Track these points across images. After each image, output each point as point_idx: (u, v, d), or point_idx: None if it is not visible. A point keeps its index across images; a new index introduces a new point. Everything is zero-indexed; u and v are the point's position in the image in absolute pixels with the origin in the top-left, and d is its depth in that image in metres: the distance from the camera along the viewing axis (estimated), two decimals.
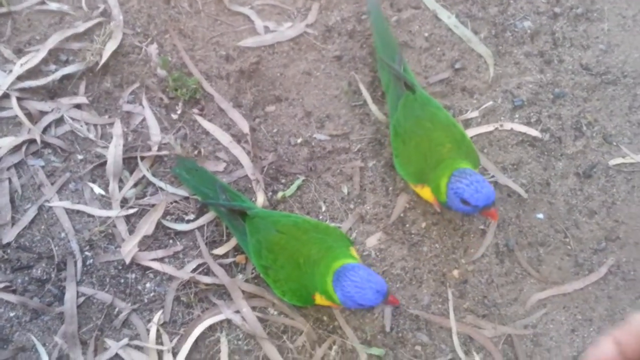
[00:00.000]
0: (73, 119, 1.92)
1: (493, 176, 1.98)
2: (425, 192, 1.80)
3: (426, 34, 2.19)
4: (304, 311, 1.80)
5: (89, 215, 1.83)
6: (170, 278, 1.78)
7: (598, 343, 0.72)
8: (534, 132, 2.06)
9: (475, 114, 2.08)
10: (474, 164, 1.75)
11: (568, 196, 2.00)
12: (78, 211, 1.83)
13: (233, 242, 1.84)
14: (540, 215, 1.97)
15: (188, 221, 1.85)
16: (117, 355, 1.70)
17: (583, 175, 2.02)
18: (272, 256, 1.61)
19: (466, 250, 1.92)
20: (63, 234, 1.80)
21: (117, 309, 1.75)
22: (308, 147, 1.98)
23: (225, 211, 1.76)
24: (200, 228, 1.84)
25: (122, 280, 1.78)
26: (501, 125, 2.06)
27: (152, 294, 1.77)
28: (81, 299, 1.74)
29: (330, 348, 1.77)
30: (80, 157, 1.89)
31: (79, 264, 1.77)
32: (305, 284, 1.57)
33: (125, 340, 1.71)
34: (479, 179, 1.61)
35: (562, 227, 1.96)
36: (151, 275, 1.79)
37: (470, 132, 2.03)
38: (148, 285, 1.78)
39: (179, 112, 1.97)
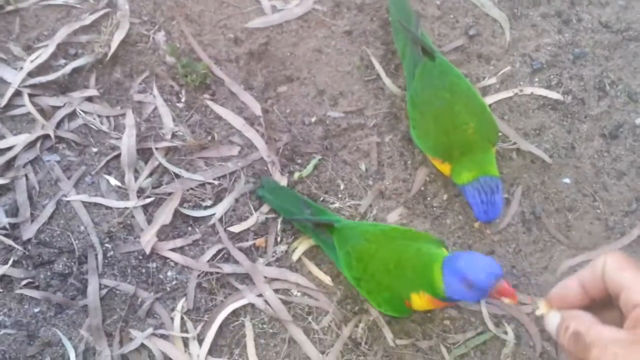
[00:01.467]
0: (85, 112, 1.91)
1: (515, 143, 1.92)
2: (445, 168, 1.76)
3: (438, 2, 2.12)
4: (328, 291, 1.77)
5: (107, 208, 1.82)
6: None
7: (564, 282, 0.74)
8: (555, 95, 1.99)
9: (493, 80, 2.01)
10: (493, 140, 1.71)
11: (595, 159, 1.93)
12: (96, 204, 1.82)
13: (251, 220, 1.81)
14: (567, 180, 1.91)
15: (206, 207, 1.83)
16: (142, 345, 1.69)
17: (609, 136, 1.95)
18: (361, 266, 1.56)
19: None
20: (82, 227, 1.79)
21: (140, 299, 1.74)
22: (322, 126, 1.94)
23: (311, 226, 1.72)
24: (219, 214, 1.82)
25: (144, 270, 1.77)
26: (521, 91, 2.00)
27: (174, 282, 1.76)
28: (104, 291, 1.73)
29: (356, 326, 1.73)
30: (94, 149, 1.88)
31: (100, 256, 1.76)
32: (399, 290, 1.49)
33: (150, 330, 1.69)
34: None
35: (590, 191, 1.89)
36: (172, 264, 1.78)
37: (489, 100, 1.97)
38: (169, 273, 1.77)
39: (189, 98, 1.94)
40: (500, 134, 1.93)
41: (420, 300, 1.46)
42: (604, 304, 0.73)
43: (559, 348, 0.86)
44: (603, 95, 2.00)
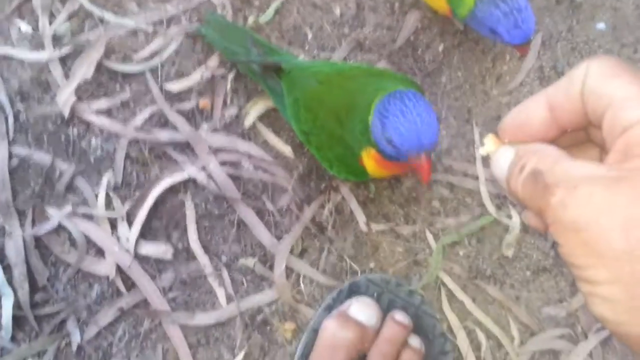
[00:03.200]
0: None
1: None
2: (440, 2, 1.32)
3: None
4: (289, 165, 1.42)
5: (19, 61, 1.47)
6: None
7: (524, 104, 0.54)
8: None
9: None
10: None
11: None
12: (5, 57, 1.47)
13: (195, 77, 1.45)
14: (601, 25, 1.47)
15: (138, 61, 1.46)
16: (60, 225, 1.39)
17: None
18: (310, 115, 1.19)
19: (499, 77, 1.46)
20: None
21: (58, 172, 1.42)
22: None
23: (258, 70, 1.32)
24: (152, 69, 1.46)
25: (63, 137, 1.44)
26: None
27: (99, 152, 1.43)
28: (15, 161, 1.42)
29: (322, 207, 1.39)
30: None
31: (10, 120, 1.43)
32: (351, 145, 1.12)
33: (69, 208, 1.39)
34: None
35: (631, 39, 1.46)
36: (97, 130, 1.44)
37: None
38: (94, 141, 1.44)
39: None
40: None
41: (369, 160, 1.09)
42: (579, 141, 0.57)
43: (510, 196, 0.50)
44: None
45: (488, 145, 0.59)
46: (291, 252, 1.38)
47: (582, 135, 0.57)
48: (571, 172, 0.46)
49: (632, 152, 0.44)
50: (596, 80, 0.48)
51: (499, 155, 0.56)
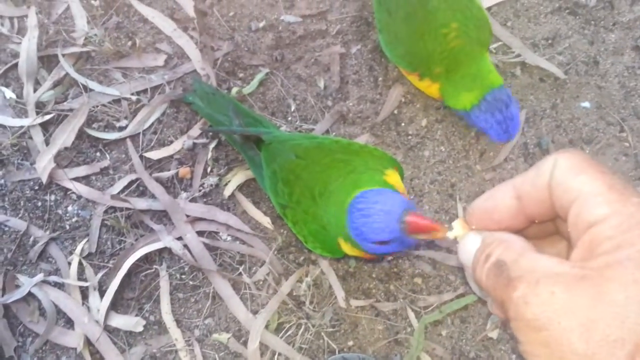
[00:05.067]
0: None
1: (519, 55, 1.48)
2: (430, 88, 1.35)
3: None
4: (267, 236, 1.39)
5: (0, 126, 1.47)
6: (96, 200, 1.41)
7: (493, 192, 0.52)
8: None
9: None
10: (485, 42, 1.29)
11: (624, 77, 1.49)
12: None
13: (176, 145, 1.44)
14: (586, 104, 1.47)
15: (120, 128, 1.46)
16: (31, 294, 1.35)
17: None
18: (287, 189, 1.16)
19: (483, 153, 1.45)
20: None
21: (32, 238, 1.40)
22: (274, 32, 1.54)
23: (239, 140, 1.32)
24: (134, 136, 1.45)
25: (40, 204, 1.42)
26: None
27: (74, 219, 1.41)
28: None
29: (300, 281, 1.35)
30: None
31: None
32: (325, 225, 1.10)
33: (40, 276, 1.35)
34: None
35: (616, 118, 1.45)
36: (74, 197, 1.42)
37: (487, 1, 1.54)
38: (70, 208, 1.41)
39: None
40: (499, 43, 1.50)
41: (348, 248, 1.06)
42: (548, 232, 0.55)
43: (476, 283, 0.46)
44: None
45: (456, 229, 0.58)
46: (267, 327, 1.32)
47: (550, 227, 0.55)
48: (535, 267, 0.45)
49: (596, 250, 0.43)
50: (564, 174, 0.47)
51: (466, 241, 0.54)
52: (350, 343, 1.33)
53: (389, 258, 1.37)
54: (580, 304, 0.40)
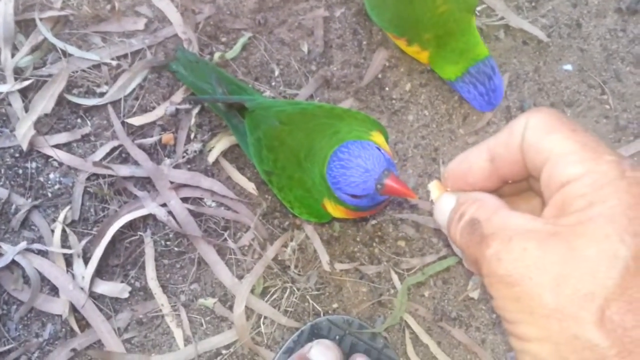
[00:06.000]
0: None
1: (502, 18, 1.48)
2: (419, 54, 1.36)
3: None
4: (252, 202, 1.39)
5: None
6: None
7: (466, 154, 0.54)
8: None
9: None
10: (472, 5, 1.30)
11: (606, 39, 1.49)
12: None
13: (158, 111, 1.42)
14: (568, 67, 1.47)
15: (101, 94, 1.44)
16: (14, 262, 1.34)
17: (627, 11, 1.50)
18: (272, 156, 1.17)
19: (466, 117, 1.45)
20: None
21: (14, 206, 1.38)
22: None
23: (223, 108, 1.31)
24: (115, 102, 1.43)
25: (20, 171, 1.40)
26: None
27: (57, 187, 1.40)
28: None
29: (285, 245, 1.36)
30: None
31: None
32: (309, 188, 1.11)
33: (23, 244, 1.34)
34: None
35: (597, 81, 1.46)
36: (55, 164, 1.41)
37: None
38: (52, 176, 1.40)
39: None
40: (483, 5, 1.50)
41: (332, 207, 1.07)
42: (521, 190, 0.56)
43: (451, 243, 0.48)
44: None
45: (432, 191, 0.59)
46: (252, 292, 1.34)
47: (524, 185, 0.56)
48: (507, 224, 0.45)
49: (569, 208, 0.43)
50: (535, 134, 0.47)
51: (441, 201, 0.55)
52: (335, 305, 1.35)
53: (373, 222, 1.38)
54: (552, 260, 0.41)
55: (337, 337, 1.27)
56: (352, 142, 0.94)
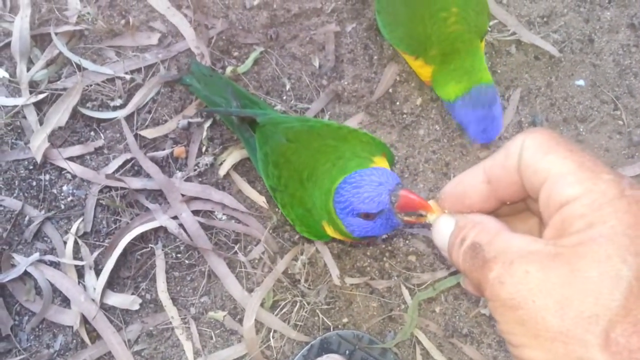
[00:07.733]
0: None
1: (514, 33, 1.48)
2: (423, 70, 1.35)
3: None
4: (262, 215, 1.39)
5: None
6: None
7: (463, 175, 0.53)
8: None
9: None
10: (482, 27, 1.29)
11: (619, 55, 1.48)
12: None
13: (171, 125, 1.43)
14: (581, 82, 1.47)
15: (115, 108, 1.46)
16: (27, 273, 1.35)
17: (639, 27, 1.49)
18: (277, 172, 1.17)
19: None
20: None
21: (27, 218, 1.40)
22: (268, 11, 1.53)
23: (236, 121, 1.31)
24: (129, 116, 1.45)
25: (34, 183, 1.42)
26: None
27: (70, 199, 1.41)
28: None
29: (295, 259, 1.36)
30: None
31: None
32: (310, 208, 1.10)
33: (36, 255, 1.36)
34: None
35: (610, 97, 1.45)
36: (69, 176, 1.42)
37: None
38: (65, 188, 1.41)
39: None
40: (495, 21, 1.50)
41: (330, 231, 1.06)
42: (518, 210, 0.56)
43: (452, 264, 0.47)
44: None
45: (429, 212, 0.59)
46: (262, 305, 1.33)
47: (521, 205, 0.55)
48: (509, 247, 0.45)
49: (569, 228, 0.43)
50: (532, 155, 0.46)
51: (440, 224, 0.55)
52: (345, 320, 1.34)
53: (383, 236, 1.38)
54: (554, 282, 0.41)
55: (347, 352, 1.26)
56: (361, 170, 0.92)
